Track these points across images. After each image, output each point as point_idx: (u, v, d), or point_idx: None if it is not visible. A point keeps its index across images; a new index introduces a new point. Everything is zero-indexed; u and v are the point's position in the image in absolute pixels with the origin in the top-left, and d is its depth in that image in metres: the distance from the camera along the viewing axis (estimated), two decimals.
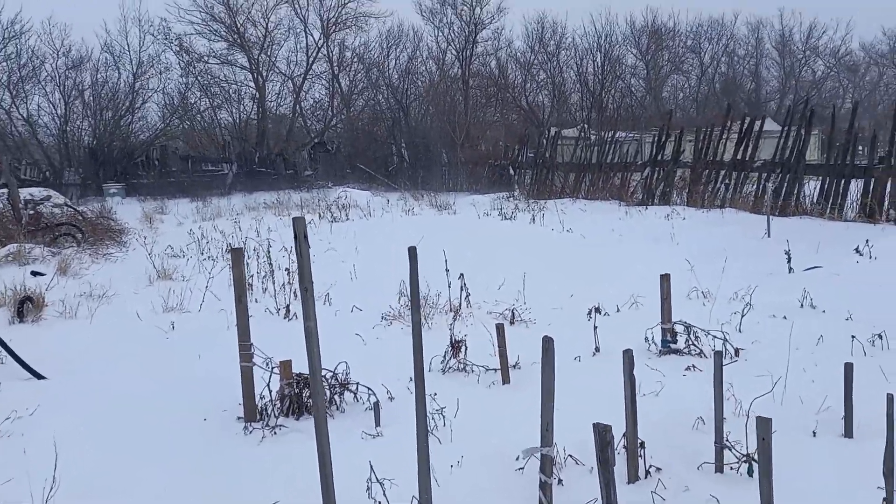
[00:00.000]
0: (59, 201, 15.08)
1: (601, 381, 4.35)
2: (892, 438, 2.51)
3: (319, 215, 15.47)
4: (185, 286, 7.87)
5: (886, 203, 10.51)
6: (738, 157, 13.46)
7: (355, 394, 4.18)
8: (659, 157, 15.59)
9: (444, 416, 3.80)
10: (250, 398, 3.97)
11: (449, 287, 6.12)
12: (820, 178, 11.82)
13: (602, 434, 2.50)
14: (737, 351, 4.64)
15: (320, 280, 7.79)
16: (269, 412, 3.97)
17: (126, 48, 31.15)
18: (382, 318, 6.02)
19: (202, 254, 10.80)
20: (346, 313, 6.44)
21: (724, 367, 4.38)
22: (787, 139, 12.51)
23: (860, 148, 18.30)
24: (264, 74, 34.24)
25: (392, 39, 35.39)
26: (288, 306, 6.50)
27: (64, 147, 29.91)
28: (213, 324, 6.33)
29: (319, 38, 34.74)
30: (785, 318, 5.53)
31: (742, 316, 5.15)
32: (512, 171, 21.24)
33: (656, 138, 15.98)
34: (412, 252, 2.90)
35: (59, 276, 8.73)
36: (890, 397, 2.53)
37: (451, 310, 6.02)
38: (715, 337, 4.75)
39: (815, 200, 11.70)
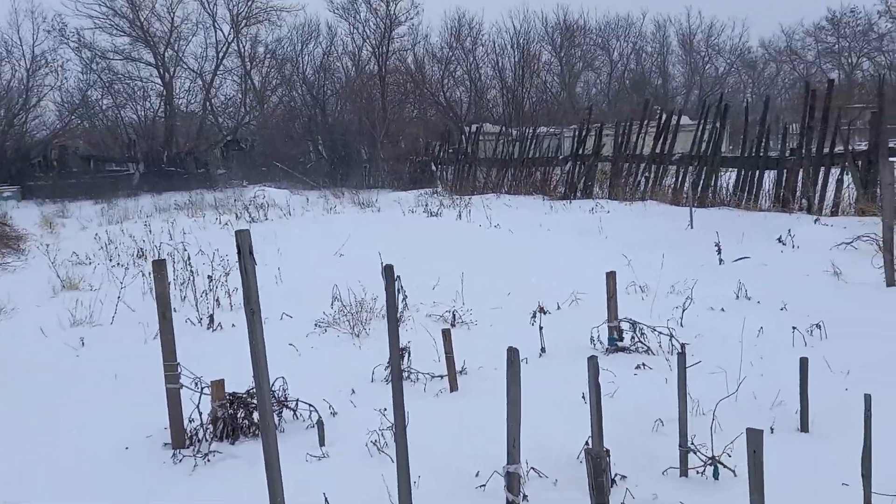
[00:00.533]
0: None
1: (550, 384, 4.21)
2: (870, 439, 2.45)
3: (236, 215, 14.85)
4: (94, 297, 7.28)
5: (798, 192, 10.91)
6: (657, 150, 13.74)
7: (295, 411, 3.87)
8: (580, 152, 15.77)
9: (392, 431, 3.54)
10: (178, 423, 3.60)
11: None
12: (735, 169, 12.19)
13: (596, 461, 2.35)
14: (683, 346, 4.58)
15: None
16: (200, 437, 3.61)
17: (18, 42, 29.20)
18: (316, 325, 5.69)
19: (110, 260, 10.10)
20: (275, 321, 6.07)
21: (669, 363, 4.34)
22: (702, 133, 12.84)
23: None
24: (171, 71, 32.87)
25: (306, 35, 34.62)
26: (211, 316, 6.08)
27: None
28: (128, 338, 5.85)
29: (229, 33, 33.66)
30: (723, 310, 5.56)
31: (683, 310, 5.14)
32: (434, 168, 21.09)
33: (577, 133, 16.16)
34: (389, 271, 2.65)
35: None
36: (867, 398, 2.47)
37: None
38: (661, 333, 4.70)
39: (731, 191, 12.06)
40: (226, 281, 6.95)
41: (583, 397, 3.80)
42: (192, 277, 7.09)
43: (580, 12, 56.05)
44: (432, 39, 37.90)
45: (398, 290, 5.85)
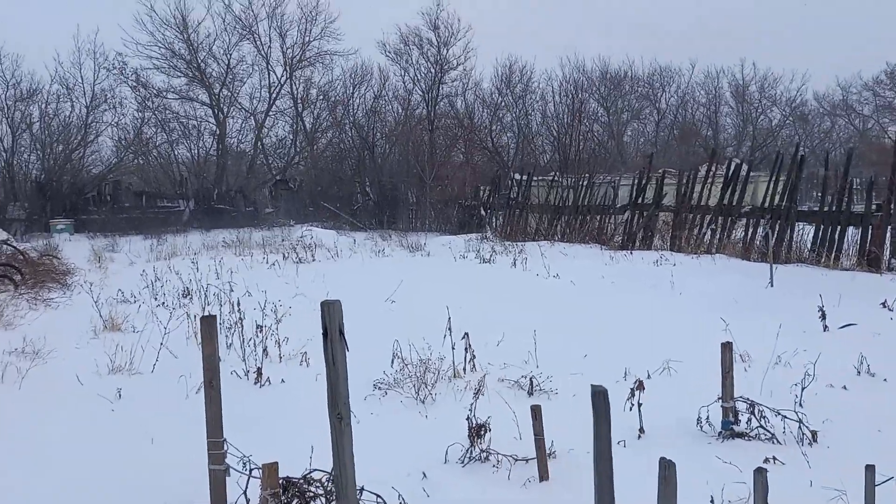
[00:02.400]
0: None
1: (656, 477, 3.52)
2: None
3: (284, 255, 14.50)
4: (135, 340, 6.82)
5: (888, 252, 10.05)
6: (725, 201, 13.00)
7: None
8: (639, 201, 15.09)
9: None
10: None
11: (453, 349, 5.26)
12: (813, 225, 11.39)
13: None
14: (814, 435, 3.88)
15: (293, 333, 6.88)
16: None
17: (80, 80, 29.94)
18: (375, 386, 5.09)
19: (155, 299, 9.72)
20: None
21: (805, 456, 3.61)
22: (776, 184, 12.10)
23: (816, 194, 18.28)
24: (225, 110, 33.31)
25: (357, 78, 34.84)
26: (259, 369, 5.54)
27: (9, 180, 28.31)
28: (168, 391, 5.33)
29: (282, 75, 34.04)
30: (845, 388, 4.81)
31: (803, 388, 4.41)
32: (483, 212, 20.59)
33: (636, 181, 15.50)
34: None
35: None
36: None
37: (458, 379, 5.13)
38: (785, 417, 3.98)
39: (809, 247, 11.24)
40: (276, 329, 6.44)
41: (711, 501, 3.11)
42: (240, 323, 6.58)
43: (627, 62, 55.72)
44: (483, 85, 37.63)
45: (466, 347, 5.25)
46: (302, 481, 3.16)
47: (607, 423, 1.94)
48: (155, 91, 31.93)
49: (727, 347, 4.01)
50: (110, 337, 7.27)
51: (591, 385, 2.01)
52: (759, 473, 2.24)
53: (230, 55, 32.84)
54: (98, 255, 15.96)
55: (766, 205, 12.12)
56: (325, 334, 1.75)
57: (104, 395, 5.23)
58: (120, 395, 5.26)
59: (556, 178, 18.87)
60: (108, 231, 23.20)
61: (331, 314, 1.72)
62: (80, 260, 14.93)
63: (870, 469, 2.39)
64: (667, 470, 2.10)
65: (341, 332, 1.73)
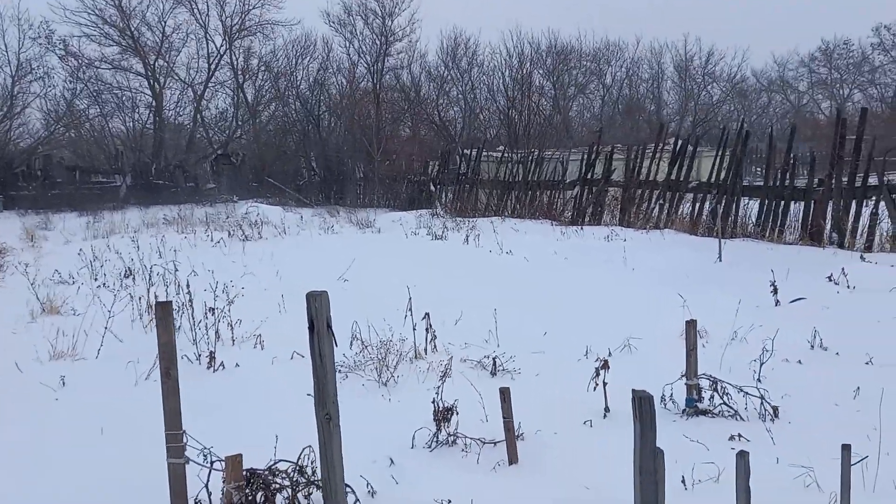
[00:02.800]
0: None
1: (626, 458, 3.51)
2: None
3: (229, 233, 14.10)
4: (77, 323, 6.51)
5: (829, 226, 10.36)
6: (672, 177, 13.18)
7: None
8: (589, 176, 15.19)
9: None
10: None
11: (414, 330, 5.16)
12: (758, 199, 11.65)
13: None
14: (776, 410, 3.93)
15: (245, 314, 6.66)
16: None
17: (3, 49, 28.30)
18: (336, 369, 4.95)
19: (96, 279, 9.31)
20: (285, 361, 5.35)
21: (770, 432, 3.66)
22: (721, 160, 12.31)
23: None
24: (162, 81, 32.03)
25: (300, 48, 33.95)
26: (212, 353, 5.33)
27: None
28: (116, 378, 5.08)
29: (222, 45, 32.92)
30: (800, 362, 4.91)
31: (761, 364, 4.47)
32: (433, 188, 20.44)
33: (586, 156, 15.57)
34: None
35: None
36: None
37: (419, 360, 5.04)
38: (747, 394, 4.02)
39: (754, 222, 11.50)
40: (228, 311, 6.22)
41: (682, 482, 3.11)
42: (189, 305, 6.33)
43: (575, 36, 55.93)
44: (429, 58, 37.22)
45: (427, 327, 5.16)
46: (267, 473, 3.03)
47: (653, 431, 1.79)
48: (86, 61, 30.47)
49: (692, 325, 4.02)
50: (49, 321, 6.92)
51: (634, 390, 1.88)
52: (742, 457, 2.22)
53: (164, 22, 31.55)
54: (30, 233, 15.23)
55: (713, 180, 12.34)
56: (311, 328, 1.62)
57: (47, 384, 4.96)
58: (64, 383, 5.00)
59: (504, 153, 18.84)
60: (39, 208, 22.16)
61: (318, 307, 1.59)
62: (12, 238, 14.22)
63: (846, 448, 2.40)
64: (655, 459, 2.05)
65: (329, 326, 1.61)
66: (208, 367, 5.25)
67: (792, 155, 11.40)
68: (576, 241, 11.83)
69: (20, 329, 6.73)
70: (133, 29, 30.78)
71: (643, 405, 1.91)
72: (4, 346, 6.05)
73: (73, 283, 9.11)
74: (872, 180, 10.07)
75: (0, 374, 5.29)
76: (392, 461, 3.53)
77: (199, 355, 5.49)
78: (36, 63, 28.92)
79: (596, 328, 5.84)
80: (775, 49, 59.68)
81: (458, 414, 3.77)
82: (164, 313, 2.83)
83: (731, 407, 3.98)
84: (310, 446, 3.22)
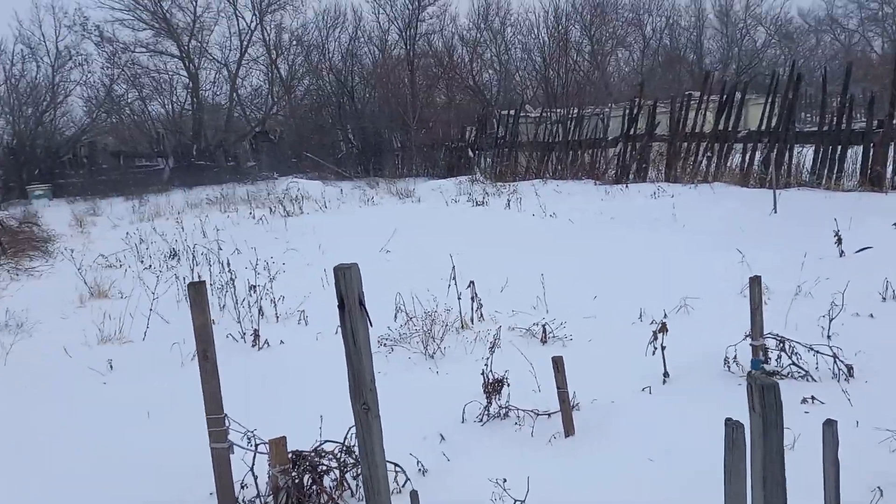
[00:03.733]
0: None
1: (690, 426, 3.31)
2: None
3: (271, 209, 14.11)
4: (123, 306, 6.53)
5: (890, 170, 9.80)
6: (720, 127, 12.64)
7: None
8: (631, 132, 14.70)
9: None
10: (228, 491, 2.79)
11: (459, 299, 5.00)
12: (812, 146, 11.09)
13: None
14: (850, 369, 3.67)
15: (288, 291, 6.60)
16: None
17: (42, 39, 28.73)
18: (379, 342, 4.84)
19: (141, 262, 9.39)
20: (329, 336, 5.25)
21: (846, 393, 3.41)
22: (772, 106, 11.74)
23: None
24: (196, 62, 32.17)
25: (330, 20, 33.63)
26: (256, 331, 5.27)
27: None
28: (162, 359, 5.06)
29: (252, 21, 32.81)
30: (872, 316, 4.60)
31: (831, 320, 4.19)
32: (472, 154, 20.14)
33: (627, 111, 15.06)
34: None
35: None
36: None
37: (466, 330, 4.87)
38: (818, 352, 3.76)
39: (809, 170, 10.97)
40: (270, 287, 6.15)
41: None
42: (232, 283, 6.28)
43: None
44: (460, 21, 36.57)
45: (472, 296, 4.99)
46: (313, 454, 2.92)
47: (779, 430, 1.39)
48: (122, 46, 30.75)
49: (756, 281, 3.76)
50: (97, 305, 6.98)
51: (750, 374, 1.45)
52: (829, 426, 2.00)
53: (195, 2, 31.55)
54: (79, 219, 15.52)
55: (762, 128, 11.79)
56: (341, 306, 1.46)
57: (95, 368, 4.97)
58: (111, 367, 5.00)
59: (543, 113, 18.39)
60: (87, 194, 22.61)
61: (347, 281, 1.42)
62: (61, 225, 14.50)
63: None
64: (734, 433, 1.85)
65: (361, 303, 1.44)
66: (253, 346, 5.20)
67: (848, 96, 10.77)
68: (621, 200, 11.49)
69: (69, 314, 6.81)
70: (164, 11, 30.90)
71: (766, 396, 1.45)
72: (54, 331, 6.11)
73: (120, 266, 9.22)
74: None
75: (50, 359, 5.32)
76: (443, 437, 3.40)
77: (244, 334, 5.44)
78: (74, 51, 29.32)
79: (649, 290, 5.60)
80: None
81: (508, 385, 3.61)
82: (197, 294, 2.72)
83: (801, 367, 3.73)
84: None
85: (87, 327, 5.96)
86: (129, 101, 31.28)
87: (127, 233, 11.69)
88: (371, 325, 1.60)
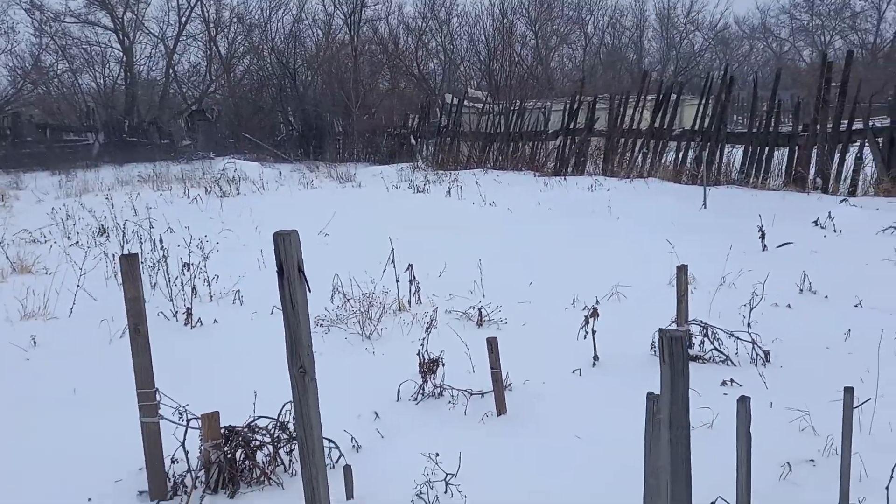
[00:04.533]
0: None
1: (617, 407, 3.43)
2: None
3: (206, 189, 13.78)
4: (49, 282, 6.30)
5: (813, 172, 10.29)
6: (657, 125, 13.00)
7: None
8: (571, 126, 14.97)
9: (448, 485, 2.72)
10: (158, 466, 2.75)
11: (397, 281, 5.02)
12: (742, 146, 11.53)
13: None
14: (767, 355, 3.86)
15: (223, 270, 6.49)
16: (187, 486, 2.76)
17: None
18: (316, 323, 4.81)
19: (68, 238, 9.05)
20: (265, 316, 5.20)
21: (763, 377, 3.60)
22: (706, 107, 12.15)
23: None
24: (131, 35, 31.00)
25: (274, 0, 32.93)
26: (189, 310, 5.16)
27: None
28: (90, 336, 4.92)
29: None
30: (790, 307, 4.84)
31: (751, 309, 4.39)
32: (414, 141, 20.12)
33: (568, 106, 15.33)
34: None
35: None
36: None
37: (404, 312, 4.91)
38: (738, 338, 3.95)
39: (738, 169, 11.41)
40: (204, 266, 6.04)
41: None
42: (164, 261, 6.13)
43: None
44: (406, 10, 36.37)
45: (410, 279, 5.03)
46: (246, 429, 2.91)
47: (685, 377, 1.54)
48: (52, 15, 29.38)
49: (682, 270, 3.92)
50: (20, 280, 6.71)
51: (661, 329, 1.63)
52: (742, 402, 2.12)
53: None
54: (1, 192, 14.82)
55: (696, 127, 12.19)
56: (280, 272, 1.47)
57: (17, 344, 4.79)
58: (35, 343, 4.83)
59: (485, 103, 18.51)
60: (10, 167, 21.58)
61: (287, 247, 1.43)
62: None
63: (849, 391, 2.32)
64: (655, 405, 1.94)
65: (300, 269, 1.45)
66: (185, 324, 5.10)
67: (777, 101, 11.24)
68: (559, 191, 11.70)
69: None
70: None
71: (674, 346, 1.61)
72: None
73: (45, 241, 8.85)
74: (857, 125, 9.97)
75: None
76: (377, 415, 3.43)
77: (176, 312, 5.33)
78: (0, 16, 27.86)
79: (582, 277, 5.74)
80: None
81: (444, 365, 3.66)
82: (129, 266, 2.66)
83: (722, 352, 3.91)
84: (291, 402, 3.09)
85: (9, 302, 5.73)
86: (59, 72, 29.94)
87: (53, 208, 11.25)
88: (310, 291, 1.61)
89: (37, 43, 28.93)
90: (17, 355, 4.65)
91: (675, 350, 1.56)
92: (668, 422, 1.60)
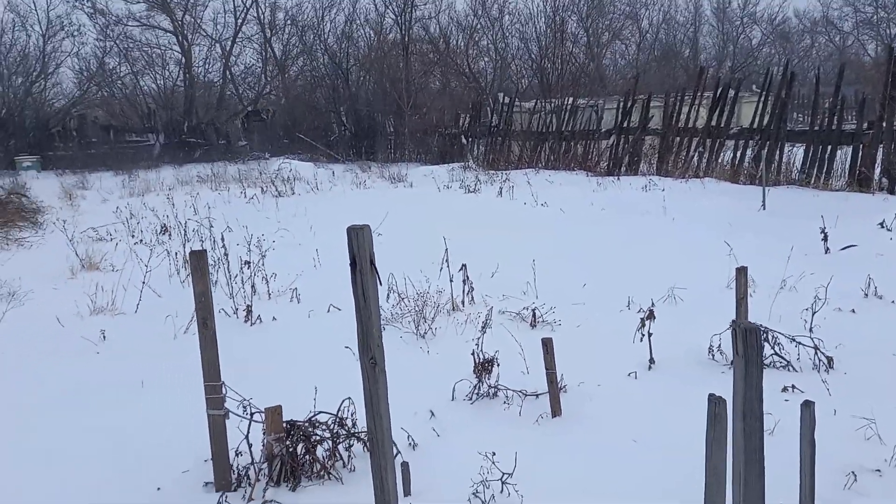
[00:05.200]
0: None
1: (674, 410, 3.41)
2: None
3: (262, 189, 14.09)
4: (115, 279, 6.55)
5: (878, 172, 9.95)
6: (713, 123, 12.75)
7: (366, 443, 3.10)
8: (625, 125, 14.78)
9: (504, 484, 2.75)
10: (223, 458, 2.85)
11: (451, 281, 5.07)
12: (803, 145, 11.22)
13: None
14: (830, 361, 3.78)
15: (280, 269, 6.64)
16: (251, 478, 2.86)
17: (32, 7, 28.38)
18: None
19: (133, 236, 9.39)
20: (321, 314, 5.32)
21: (825, 383, 3.52)
22: (765, 104, 11.85)
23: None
24: (189, 38, 31.88)
25: (326, 0, 33.40)
26: (249, 307, 5.31)
27: None
28: (155, 331, 5.10)
29: None
30: (854, 311, 4.71)
31: (813, 313, 4.30)
32: (465, 141, 20.16)
33: (621, 104, 15.14)
34: None
35: None
36: None
37: (457, 312, 4.95)
38: (800, 343, 3.87)
39: (799, 169, 11.10)
40: (262, 265, 6.20)
41: None
42: (225, 259, 6.32)
43: None
44: (457, 8, 36.44)
45: (464, 279, 5.07)
46: (307, 424, 2.99)
47: (759, 368, 1.62)
48: (114, 18, 30.42)
49: (742, 272, 3.85)
50: (89, 277, 6.99)
51: (734, 321, 1.72)
52: (807, 407, 2.09)
53: None
54: (68, 192, 15.42)
55: (755, 126, 11.90)
56: (352, 265, 1.52)
57: (87, 338, 5.00)
58: (104, 337, 5.04)
59: (537, 102, 18.43)
60: (76, 167, 22.44)
61: (360, 241, 1.49)
62: (50, 198, 14.40)
63: None
64: (717, 407, 1.93)
65: (372, 263, 1.50)
66: (245, 321, 5.25)
67: (840, 97, 10.89)
68: (613, 191, 11.58)
69: (60, 285, 6.81)
70: None
71: (748, 338, 1.69)
72: (46, 302, 6.12)
73: (111, 239, 9.20)
74: None
75: (42, 329, 5.34)
76: (433, 413, 3.48)
77: (237, 309, 5.48)
78: (65, 21, 28.97)
79: (637, 279, 5.69)
80: None
81: (498, 366, 3.69)
82: (198, 262, 2.77)
83: (783, 357, 3.83)
84: (349, 398, 3.17)
85: (80, 298, 5.98)
86: (121, 75, 31.00)
87: (117, 207, 11.68)
88: (381, 284, 1.66)
89: (100, 46, 29.99)
90: (87, 349, 4.86)
91: (749, 341, 1.61)
92: (741, 413, 1.64)
